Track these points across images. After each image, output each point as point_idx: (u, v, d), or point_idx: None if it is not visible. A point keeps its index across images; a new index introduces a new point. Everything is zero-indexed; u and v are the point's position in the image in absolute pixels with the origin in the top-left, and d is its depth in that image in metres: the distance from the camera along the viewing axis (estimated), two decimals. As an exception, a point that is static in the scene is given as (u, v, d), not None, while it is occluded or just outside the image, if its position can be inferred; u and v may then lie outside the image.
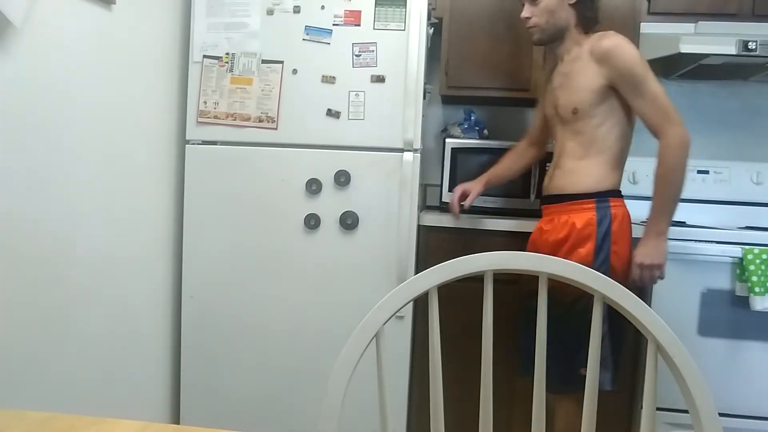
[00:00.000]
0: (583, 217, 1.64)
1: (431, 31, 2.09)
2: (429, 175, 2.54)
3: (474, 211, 2.09)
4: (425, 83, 1.99)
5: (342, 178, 1.98)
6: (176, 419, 2.12)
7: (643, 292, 1.81)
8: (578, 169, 1.68)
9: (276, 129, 2.00)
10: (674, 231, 1.91)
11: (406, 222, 1.93)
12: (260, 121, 2.01)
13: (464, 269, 0.85)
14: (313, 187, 1.99)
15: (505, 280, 1.19)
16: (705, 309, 1.89)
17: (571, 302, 1.52)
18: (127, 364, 1.84)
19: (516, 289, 1.79)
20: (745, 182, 2.40)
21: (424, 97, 1.99)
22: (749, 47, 1.92)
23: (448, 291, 0.98)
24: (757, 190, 2.39)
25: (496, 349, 0.92)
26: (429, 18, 2.05)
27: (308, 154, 2.00)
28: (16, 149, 1.33)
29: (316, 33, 1.98)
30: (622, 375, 1.78)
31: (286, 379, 2.04)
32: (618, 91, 1.62)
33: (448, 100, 2.51)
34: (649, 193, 1.63)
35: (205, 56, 2.02)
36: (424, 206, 2.50)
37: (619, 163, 1.69)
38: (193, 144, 2.05)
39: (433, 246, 2.05)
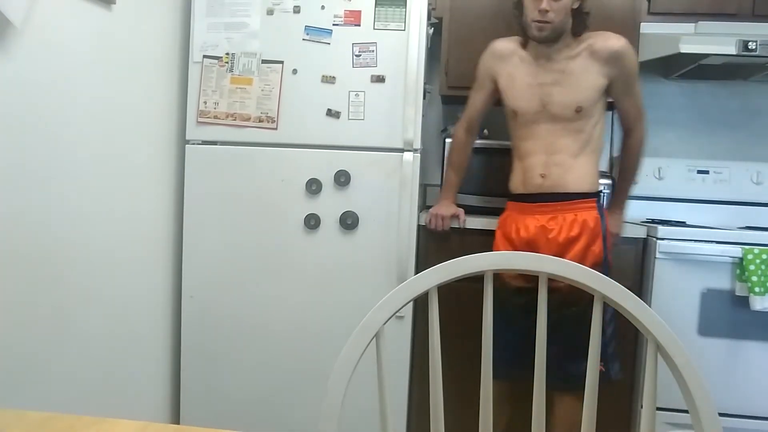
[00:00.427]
0: (591, 215, 1.69)
1: (431, 31, 2.09)
2: (429, 175, 2.55)
3: (474, 211, 2.09)
4: (425, 83, 1.99)
5: (342, 178, 1.98)
6: (176, 419, 2.12)
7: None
8: (576, 167, 1.71)
9: (276, 129, 2.00)
10: (674, 231, 1.92)
11: (406, 222, 1.93)
12: (260, 121, 2.01)
13: (464, 269, 0.85)
14: (313, 187, 1.99)
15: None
16: (705, 309, 1.89)
17: (588, 303, 1.53)
18: (127, 364, 1.84)
19: (497, 284, 1.77)
20: (745, 182, 2.40)
21: (424, 97, 1.99)
22: (749, 47, 1.93)
23: (448, 291, 0.99)
24: (757, 190, 2.39)
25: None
26: (429, 18, 2.05)
27: (308, 154, 2.00)
28: (16, 149, 1.33)
29: (316, 33, 1.98)
30: (623, 375, 1.78)
31: (286, 379, 2.04)
32: (606, 90, 1.72)
33: (448, 100, 2.50)
34: (645, 193, 1.64)
35: (205, 56, 2.02)
36: (424, 206, 2.50)
37: (599, 161, 1.81)
38: (193, 144, 2.05)
39: (433, 246, 2.05)
